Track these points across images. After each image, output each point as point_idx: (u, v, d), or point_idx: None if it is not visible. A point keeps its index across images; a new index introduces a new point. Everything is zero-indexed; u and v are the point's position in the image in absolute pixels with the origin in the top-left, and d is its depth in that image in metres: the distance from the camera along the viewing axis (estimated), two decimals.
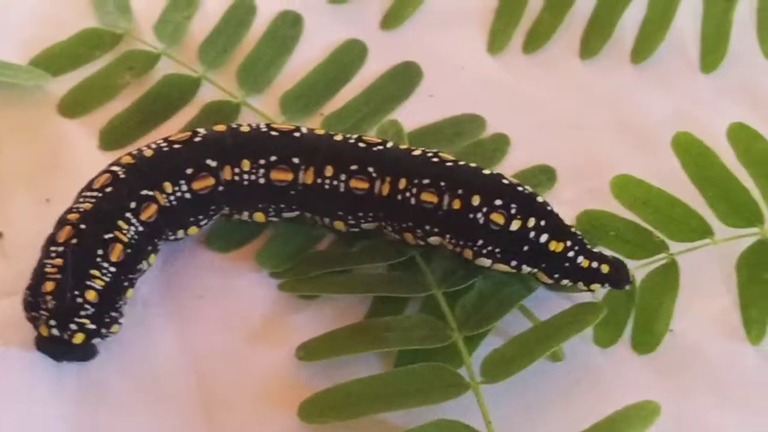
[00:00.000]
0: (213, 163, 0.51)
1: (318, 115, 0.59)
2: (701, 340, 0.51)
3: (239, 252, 0.54)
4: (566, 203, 0.53)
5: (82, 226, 0.48)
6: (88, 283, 0.47)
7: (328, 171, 0.50)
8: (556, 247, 0.49)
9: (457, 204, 0.49)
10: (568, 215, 0.51)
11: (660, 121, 0.59)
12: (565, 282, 0.50)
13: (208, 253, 0.54)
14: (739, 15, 0.62)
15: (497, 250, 0.49)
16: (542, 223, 0.49)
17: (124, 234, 0.49)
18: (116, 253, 0.48)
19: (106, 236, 0.48)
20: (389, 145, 0.52)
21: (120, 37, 0.61)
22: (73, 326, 0.47)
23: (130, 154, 0.51)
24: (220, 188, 0.51)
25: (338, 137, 0.52)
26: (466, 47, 0.63)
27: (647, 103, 0.60)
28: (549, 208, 0.50)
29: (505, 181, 0.50)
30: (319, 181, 0.51)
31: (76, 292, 0.47)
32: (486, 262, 0.50)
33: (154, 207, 0.50)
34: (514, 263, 0.50)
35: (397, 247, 0.53)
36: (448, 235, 0.50)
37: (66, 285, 0.47)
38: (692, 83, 0.61)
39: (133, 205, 0.49)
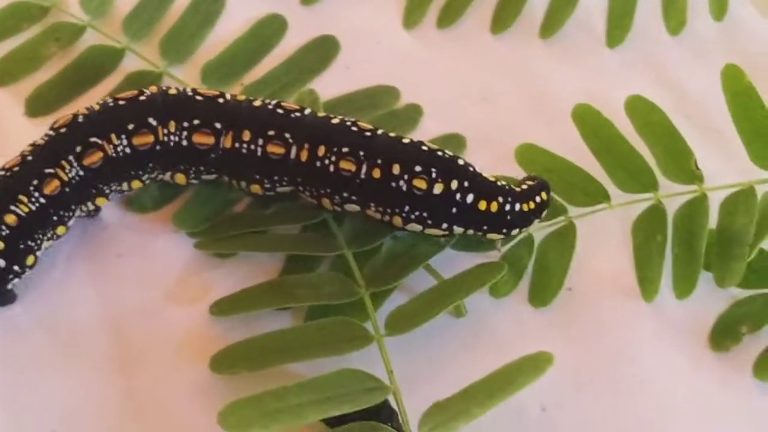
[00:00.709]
0: (154, 122, 0.52)
1: (238, 85, 0.61)
2: (598, 297, 0.54)
3: (158, 213, 0.56)
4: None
5: (29, 158, 0.51)
6: (12, 207, 0.49)
7: (246, 135, 0.52)
8: (486, 206, 0.51)
9: (377, 173, 0.51)
10: None
11: (566, 92, 0.61)
12: (515, 232, 0.52)
13: (128, 214, 0.55)
14: None
15: (425, 214, 0.51)
16: (466, 184, 0.51)
17: (66, 173, 0.51)
18: (50, 186, 0.50)
19: (47, 170, 0.50)
20: (307, 112, 0.53)
21: (47, 10, 0.63)
22: None
23: (86, 107, 0.53)
24: (157, 147, 0.52)
25: (257, 102, 0.53)
26: (383, 22, 0.65)
27: (555, 75, 0.63)
28: (471, 169, 0.52)
29: (424, 148, 0.52)
30: (237, 145, 0.52)
31: None
32: (417, 227, 0.52)
33: (99, 154, 0.51)
34: (444, 226, 0.52)
35: (310, 209, 0.54)
36: (372, 204, 0.52)
37: None
38: (598, 57, 0.64)
39: (78, 149, 0.51)
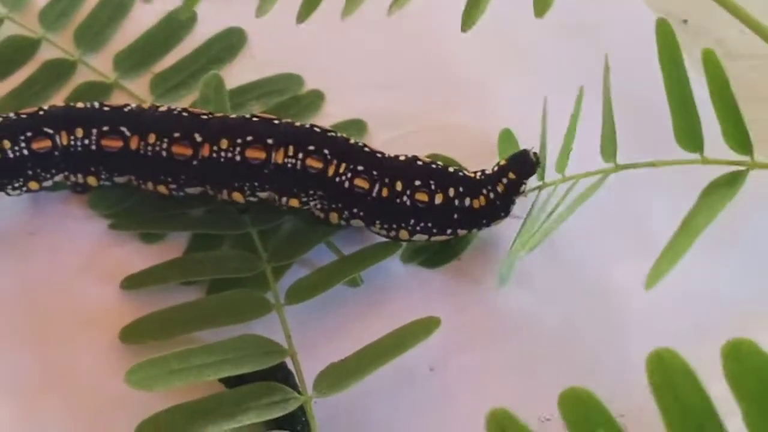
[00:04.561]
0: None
1: (149, 73, 0.63)
2: (483, 261, 0.57)
3: (71, 193, 0.58)
4: None
5: (41, 112, 0.54)
6: None
7: (151, 138, 0.54)
8: (479, 204, 0.53)
9: (385, 192, 0.53)
10: None
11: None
12: (512, 209, 0.54)
13: (42, 193, 0.57)
14: None
15: (429, 224, 0.54)
16: (461, 189, 0.53)
17: (69, 139, 0.53)
18: (40, 144, 0.53)
19: (46, 129, 0.53)
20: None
21: None
22: None
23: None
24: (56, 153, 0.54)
25: (163, 108, 0.55)
26: (288, 13, 0.67)
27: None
28: (461, 173, 0.53)
29: (419, 162, 0.54)
30: (141, 148, 0.54)
31: None
32: (423, 237, 0.54)
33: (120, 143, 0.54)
34: (449, 231, 0.54)
35: None
36: (378, 221, 0.54)
37: None
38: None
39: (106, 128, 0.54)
